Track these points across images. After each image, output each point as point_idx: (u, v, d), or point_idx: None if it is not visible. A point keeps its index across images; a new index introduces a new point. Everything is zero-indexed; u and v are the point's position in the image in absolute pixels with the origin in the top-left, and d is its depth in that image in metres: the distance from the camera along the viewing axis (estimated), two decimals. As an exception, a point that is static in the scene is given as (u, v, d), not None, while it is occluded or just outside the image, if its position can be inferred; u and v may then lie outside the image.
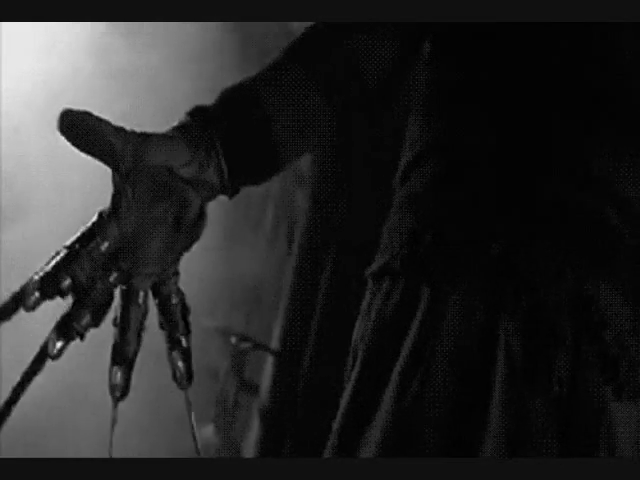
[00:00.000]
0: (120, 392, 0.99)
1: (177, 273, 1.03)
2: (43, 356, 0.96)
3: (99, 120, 0.97)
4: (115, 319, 1.00)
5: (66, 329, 0.96)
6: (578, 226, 1.09)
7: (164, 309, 1.03)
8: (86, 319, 0.96)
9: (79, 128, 0.97)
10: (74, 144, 0.97)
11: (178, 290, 1.04)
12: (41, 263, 0.96)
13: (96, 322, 0.97)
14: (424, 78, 1.22)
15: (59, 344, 0.95)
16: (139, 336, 1.00)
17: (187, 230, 1.01)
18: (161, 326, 1.04)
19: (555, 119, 1.11)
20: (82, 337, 0.97)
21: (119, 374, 0.99)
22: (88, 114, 0.97)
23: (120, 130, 0.98)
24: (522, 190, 1.10)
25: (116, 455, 0.97)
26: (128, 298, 1.00)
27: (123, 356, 0.99)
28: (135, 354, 1.00)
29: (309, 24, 1.15)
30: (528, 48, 1.12)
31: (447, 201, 1.13)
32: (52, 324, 0.96)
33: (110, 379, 0.99)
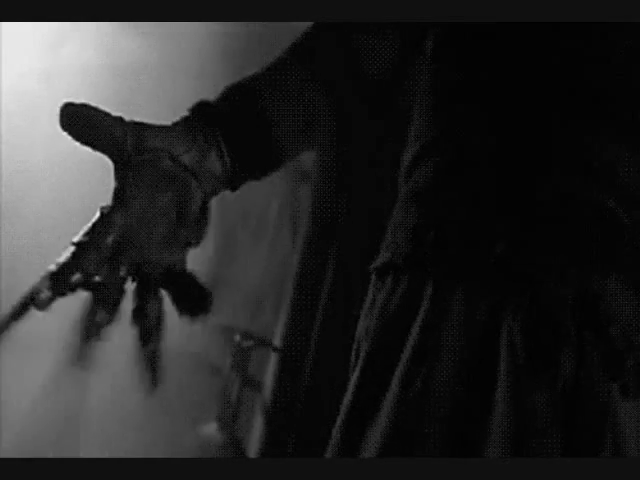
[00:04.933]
0: (154, 384, 0.99)
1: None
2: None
3: (98, 111, 0.99)
4: (134, 313, 0.99)
5: (85, 329, 0.95)
6: (581, 223, 1.09)
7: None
8: (101, 315, 0.96)
9: (79, 120, 0.98)
10: (75, 136, 0.98)
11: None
12: (40, 263, 0.96)
13: (111, 318, 0.97)
14: (425, 78, 1.22)
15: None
16: (160, 326, 0.99)
17: (191, 224, 1.02)
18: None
19: (555, 119, 1.11)
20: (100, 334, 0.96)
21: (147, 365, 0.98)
22: (87, 106, 0.98)
23: (119, 119, 0.99)
24: (523, 189, 1.10)
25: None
26: (142, 290, 0.99)
27: (146, 347, 0.99)
28: (158, 344, 0.99)
29: (310, 24, 1.16)
30: (528, 48, 1.12)
31: (448, 200, 1.13)
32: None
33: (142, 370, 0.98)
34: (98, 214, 0.98)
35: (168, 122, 1.04)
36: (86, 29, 2.84)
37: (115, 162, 1.00)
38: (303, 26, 1.15)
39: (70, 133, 0.98)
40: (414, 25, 1.17)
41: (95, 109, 0.99)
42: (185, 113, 1.06)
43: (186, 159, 1.01)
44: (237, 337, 3.40)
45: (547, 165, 1.10)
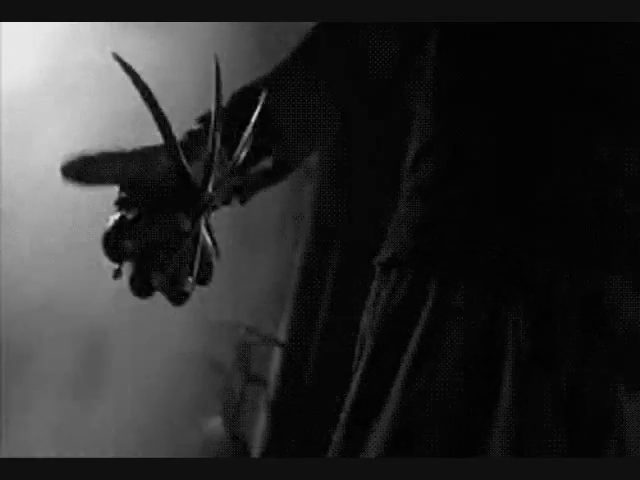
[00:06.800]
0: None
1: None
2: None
3: (96, 160, 0.95)
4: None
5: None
6: (581, 223, 1.09)
7: None
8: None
9: (82, 176, 0.95)
10: (84, 188, 0.96)
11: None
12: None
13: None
14: (426, 78, 1.22)
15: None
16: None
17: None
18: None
19: (555, 119, 1.11)
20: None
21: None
22: (85, 159, 0.95)
23: (120, 155, 0.97)
24: (523, 189, 1.10)
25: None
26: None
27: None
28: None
29: (313, 24, 1.15)
30: (528, 48, 1.12)
31: (449, 200, 1.13)
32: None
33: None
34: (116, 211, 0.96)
35: (175, 121, 1.04)
36: (89, 29, 2.84)
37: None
38: (305, 26, 1.15)
39: (78, 186, 0.96)
40: (415, 25, 1.17)
41: (93, 158, 0.96)
42: (194, 124, 1.05)
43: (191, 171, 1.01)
44: (241, 333, 3.40)
45: (547, 165, 1.10)
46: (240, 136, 1.02)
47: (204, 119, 1.04)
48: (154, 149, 0.95)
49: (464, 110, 1.16)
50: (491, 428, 1.03)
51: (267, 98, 1.07)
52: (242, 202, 1.07)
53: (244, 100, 1.07)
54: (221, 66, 0.97)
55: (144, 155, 0.95)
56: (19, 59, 2.83)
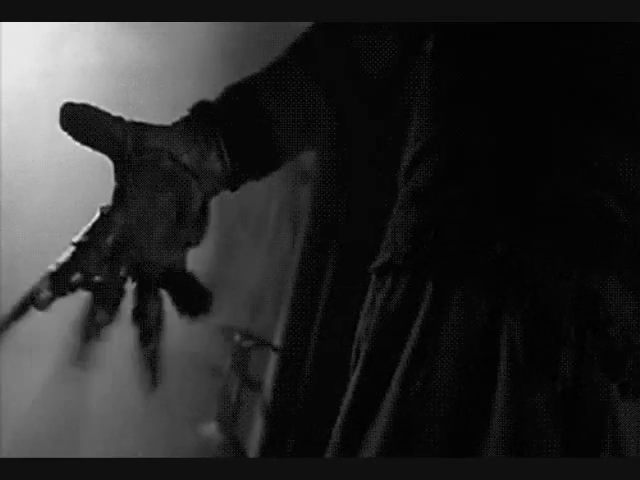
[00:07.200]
0: (153, 384, 0.99)
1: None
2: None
3: (98, 111, 0.99)
4: (134, 313, 0.99)
5: (85, 329, 0.95)
6: (581, 223, 1.09)
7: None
8: (101, 315, 0.96)
9: (79, 120, 0.98)
10: (74, 136, 0.98)
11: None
12: (39, 263, 0.96)
13: (111, 318, 0.96)
14: (425, 78, 1.23)
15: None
16: (159, 326, 0.99)
17: (190, 224, 1.02)
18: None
19: (555, 119, 1.11)
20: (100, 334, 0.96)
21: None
22: (87, 106, 0.98)
23: (119, 119, 1.00)
24: (523, 189, 1.10)
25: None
26: (142, 290, 0.99)
27: (146, 347, 0.99)
28: (158, 344, 0.99)
29: (310, 24, 1.16)
30: (528, 48, 1.12)
31: (448, 200, 1.13)
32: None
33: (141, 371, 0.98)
34: (98, 214, 0.98)
35: (168, 122, 1.05)
36: (86, 29, 2.84)
37: (115, 162, 1.00)
38: (303, 26, 1.15)
39: (70, 133, 0.98)
40: (414, 25, 1.17)
41: (95, 109, 0.99)
42: (185, 113, 1.06)
43: (186, 159, 1.02)
44: (237, 337, 3.40)
45: (547, 165, 1.10)
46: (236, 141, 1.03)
47: (195, 109, 1.05)
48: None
49: (464, 110, 1.16)
50: (488, 428, 1.02)
51: (263, 92, 1.07)
52: (233, 189, 1.08)
53: (237, 96, 1.08)
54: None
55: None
56: (19, 59, 2.83)
